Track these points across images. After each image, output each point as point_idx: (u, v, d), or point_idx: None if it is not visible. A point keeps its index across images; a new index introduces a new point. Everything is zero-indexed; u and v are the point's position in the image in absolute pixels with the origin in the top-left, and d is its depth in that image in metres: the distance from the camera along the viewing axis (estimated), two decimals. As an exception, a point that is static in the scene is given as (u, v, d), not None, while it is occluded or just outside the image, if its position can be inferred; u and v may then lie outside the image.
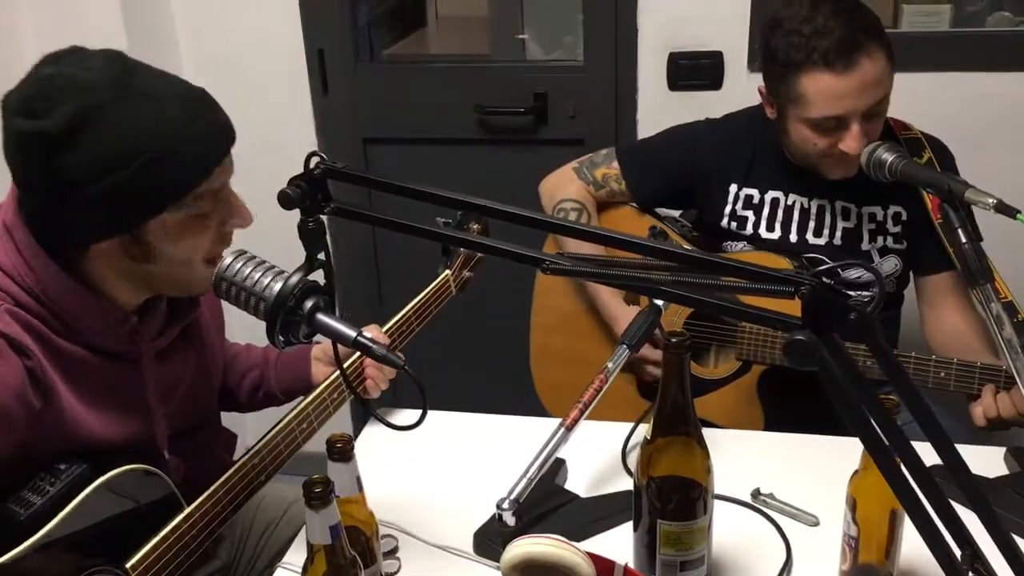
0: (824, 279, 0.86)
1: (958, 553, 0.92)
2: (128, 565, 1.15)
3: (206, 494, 1.26)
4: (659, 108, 2.43)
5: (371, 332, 1.32)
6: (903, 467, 0.89)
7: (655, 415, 1.16)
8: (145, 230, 1.18)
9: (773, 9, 1.69)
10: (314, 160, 1.08)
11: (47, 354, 1.19)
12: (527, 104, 2.51)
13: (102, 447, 1.26)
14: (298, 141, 2.63)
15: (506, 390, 2.04)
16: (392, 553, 1.32)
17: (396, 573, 1.30)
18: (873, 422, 0.89)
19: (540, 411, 2.02)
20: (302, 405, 1.43)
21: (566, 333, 2.01)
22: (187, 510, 1.24)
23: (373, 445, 1.59)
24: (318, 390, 1.46)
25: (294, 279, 1.06)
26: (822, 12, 1.56)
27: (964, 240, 1.33)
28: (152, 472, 1.25)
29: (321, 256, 1.09)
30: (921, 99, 2.13)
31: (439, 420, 1.67)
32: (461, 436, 1.63)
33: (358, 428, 2.67)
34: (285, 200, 1.04)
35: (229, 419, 1.59)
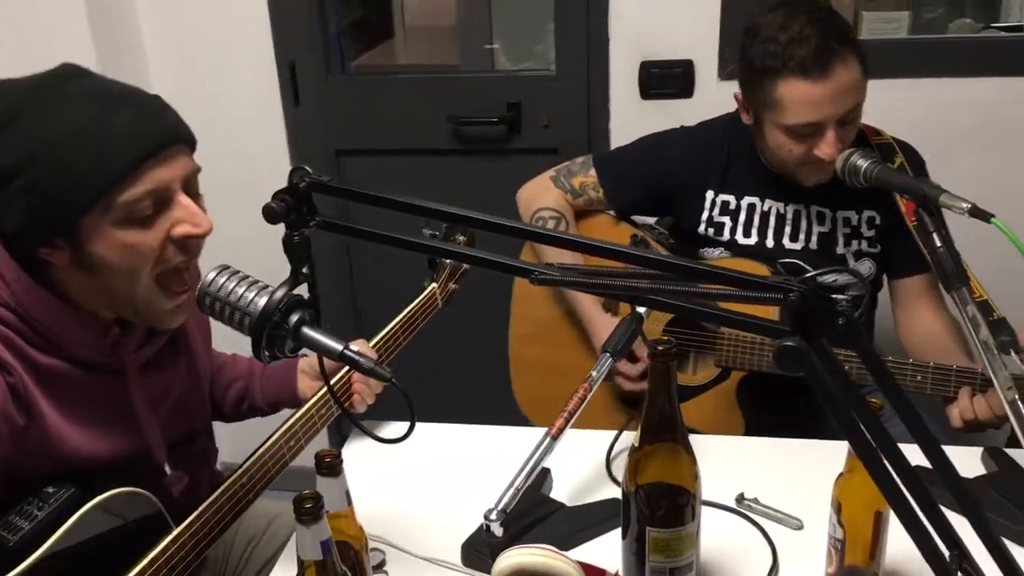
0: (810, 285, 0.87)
1: (946, 554, 0.93)
2: None
3: (194, 515, 1.24)
4: (632, 116, 2.45)
5: (358, 346, 1.32)
6: (891, 470, 0.90)
7: (642, 423, 1.17)
8: (81, 234, 1.15)
9: (748, 17, 1.72)
10: (299, 174, 1.06)
11: (28, 369, 1.17)
12: (501, 114, 2.52)
13: (91, 463, 1.24)
14: (270, 153, 2.63)
15: (487, 400, 2.03)
16: (380, 567, 1.32)
17: (384, 587, 1.29)
18: (862, 426, 0.90)
19: (522, 420, 2.02)
20: (290, 422, 1.41)
21: (544, 342, 2.01)
22: (175, 532, 1.22)
23: (357, 459, 1.58)
24: (305, 406, 1.44)
25: (279, 293, 1.05)
26: (798, 20, 1.58)
27: (939, 244, 1.35)
28: (141, 494, 1.23)
29: (305, 270, 1.09)
30: (883, 106, 2.17)
31: (423, 432, 1.66)
32: (445, 447, 1.63)
33: (335, 444, 2.67)
34: (270, 214, 1.04)
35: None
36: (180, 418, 1.40)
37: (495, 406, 1.93)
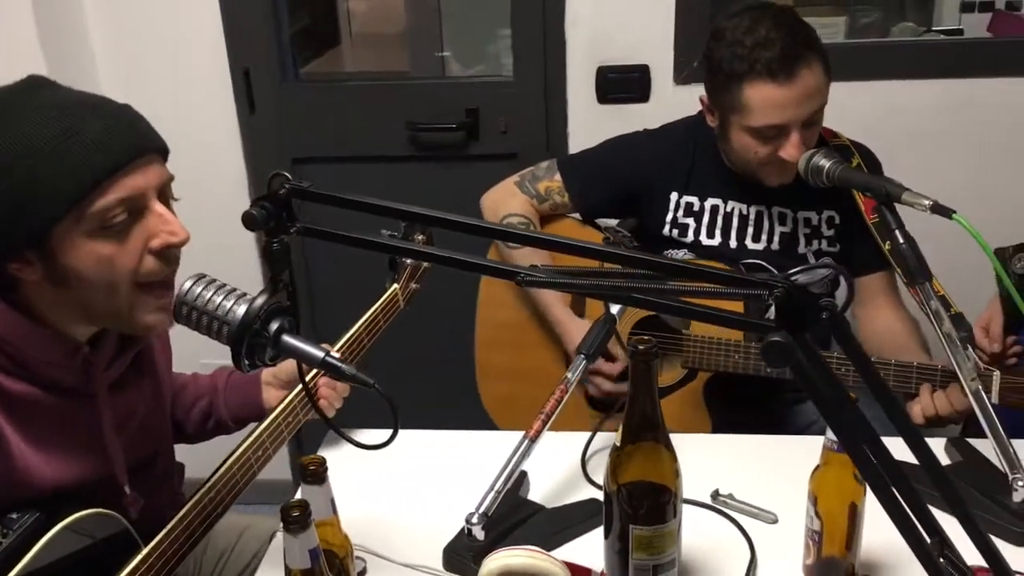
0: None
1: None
2: None
3: (163, 532, 1.21)
4: (589, 121, 2.47)
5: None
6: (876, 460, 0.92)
7: (624, 422, 1.18)
8: (54, 247, 1.12)
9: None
10: (279, 180, 1.06)
11: None
12: (458, 120, 2.52)
13: (56, 489, 1.21)
14: (226, 161, 2.59)
15: (454, 405, 2.03)
16: (362, 575, 1.31)
17: (367, 594, 1.29)
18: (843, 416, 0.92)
19: (489, 425, 2.02)
20: (256, 432, 1.39)
21: (511, 346, 2.02)
22: (144, 551, 1.18)
23: (333, 467, 1.57)
24: (272, 416, 1.43)
25: (259, 301, 1.04)
26: (763, 24, 1.61)
27: (902, 240, 1.39)
28: (107, 514, 1.20)
29: (284, 277, 1.08)
30: (828, 108, 2.23)
31: (398, 438, 1.66)
32: (421, 453, 1.62)
33: (293, 455, 2.64)
34: (250, 221, 1.02)
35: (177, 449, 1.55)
36: (143, 440, 1.37)
37: (461, 411, 1.93)
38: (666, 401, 1.86)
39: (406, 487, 1.53)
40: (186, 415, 1.59)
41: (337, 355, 1.06)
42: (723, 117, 1.71)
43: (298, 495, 1.18)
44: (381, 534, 1.38)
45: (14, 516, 1.14)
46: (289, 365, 1.58)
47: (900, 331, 1.82)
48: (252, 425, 1.43)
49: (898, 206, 1.41)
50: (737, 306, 0.94)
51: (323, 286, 2.73)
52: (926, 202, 1.36)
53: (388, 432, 1.07)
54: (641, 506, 1.19)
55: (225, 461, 1.33)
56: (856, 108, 2.30)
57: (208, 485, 1.29)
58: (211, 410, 1.59)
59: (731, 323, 0.92)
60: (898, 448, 0.92)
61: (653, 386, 1.16)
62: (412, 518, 1.44)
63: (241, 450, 1.35)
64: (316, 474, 1.09)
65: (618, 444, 1.19)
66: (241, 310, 1.04)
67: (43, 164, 1.09)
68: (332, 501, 1.12)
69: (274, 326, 1.04)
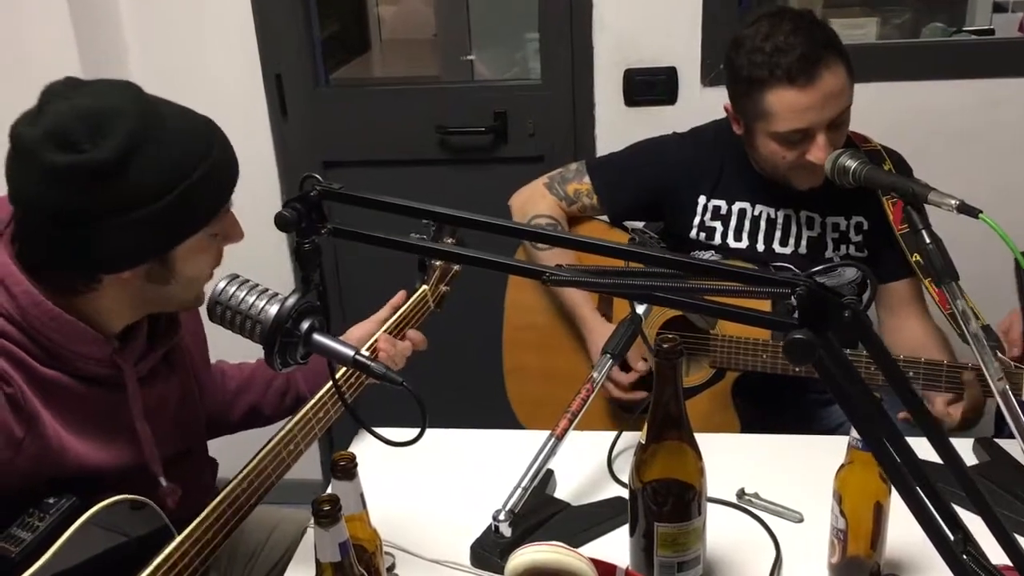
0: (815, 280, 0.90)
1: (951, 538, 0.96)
2: None
3: (196, 522, 1.25)
4: (617, 124, 2.49)
5: (383, 341, 1.52)
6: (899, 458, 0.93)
7: (648, 421, 1.19)
8: (174, 253, 1.22)
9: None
10: (310, 182, 1.08)
11: (29, 382, 1.18)
12: (487, 123, 2.54)
13: (93, 474, 1.25)
14: (259, 166, 2.63)
15: (482, 405, 2.05)
16: (390, 570, 1.33)
17: (397, 589, 1.31)
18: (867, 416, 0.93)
19: (516, 425, 2.04)
20: (288, 427, 1.42)
21: (538, 347, 2.03)
22: (178, 539, 1.23)
23: (362, 464, 1.59)
24: (303, 411, 1.45)
25: (291, 301, 1.07)
26: (782, 29, 1.62)
27: (928, 240, 1.39)
28: (142, 502, 1.24)
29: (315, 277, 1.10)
30: (856, 110, 2.22)
31: (427, 436, 1.69)
32: (449, 451, 1.64)
33: (324, 452, 2.67)
34: (282, 222, 1.05)
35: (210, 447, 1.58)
36: (176, 434, 1.41)
37: (489, 411, 1.95)
38: (694, 401, 1.88)
39: (435, 484, 1.55)
40: (229, 405, 1.63)
41: (367, 353, 1.09)
42: (748, 124, 1.72)
43: (329, 490, 1.21)
44: (410, 530, 1.40)
45: (51, 501, 1.18)
46: (359, 330, 1.64)
47: (927, 342, 1.81)
48: (284, 420, 1.46)
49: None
50: (764, 306, 0.95)
51: (355, 287, 2.77)
52: (952, 202, 1.35)
53: (417, 430, 1.09)
54: (666, 503, 1.20)
55: (257, 454, 1.36)
56: (886, 109, 2.30)
57: (241, 476, 1.32)
58: (288, 386, 1.64)
59: (754, 321, 0.93)
60: (923, 448, 0.92)
61: (678, 385, 1.17)
62: (440, 515, 1.46)
63: (273, 443, 1.38)
64: (346, 470, 1.12)
65: (643, 442, 1.20)
66: (273, 310, 1.06)
67: (199, 186, 1.19)
68: (362, 496, 1.14)
69: (305, 325, 1.07)
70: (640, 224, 2.09)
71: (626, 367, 1.87)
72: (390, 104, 2.61)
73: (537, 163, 2.50)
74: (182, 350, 1.45)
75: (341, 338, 1.63)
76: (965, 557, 0.95)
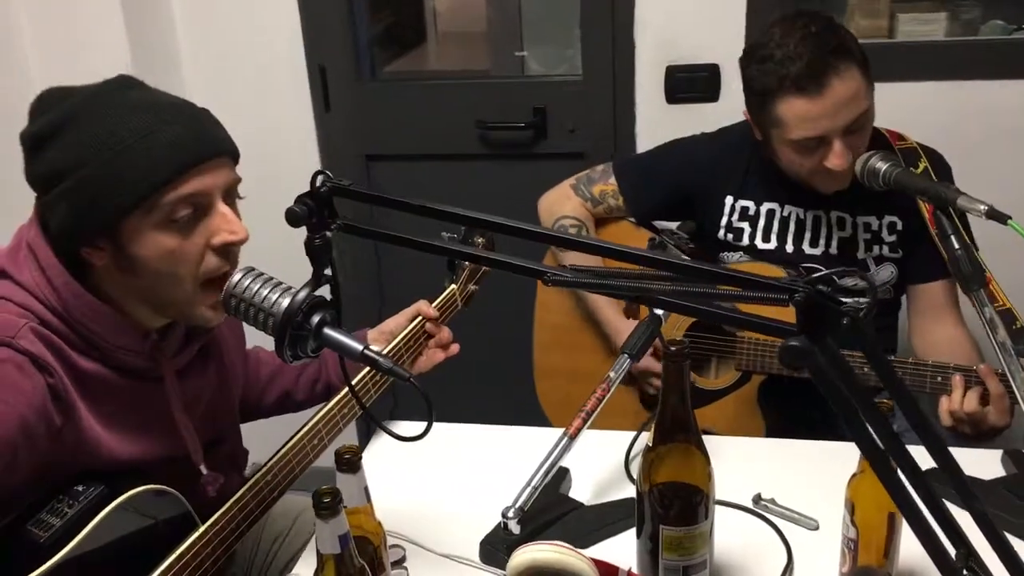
0: (819, 286, 0.88)
1: (953, 552, 0.94)
2: None
3: (220, 512, 1.27)
4: (657, 121, 2.47)
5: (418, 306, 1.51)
6: (898, 468, 0.91)
7: (656, 423, 1.19)
8: (123, 236, 1.20)
9: (761, 26, 1.73)
10: (320, 178, 1.09)
11: (68, 373, 1.21)
12: (527, 119, 2.54)
13: (125, 465, 1.28)
14: (301, 158, 2.67)
15: (512, 403, 2.06)
16: (400, 563, 1.35)
17: (405, 582, 1.32)
18: (868, 425, 0.91)
19: (546, 423, 2.04)
20: (313, 421, 1.45)
21: (568, 348, 2.03)
22: (201, 529, 1.25)
23: (381, 457, 1.62)
24: (328, 405, 1.48)
25: (301, 295, 1.08)
26: (792, 38, 1.59)
27: (957, 246, 1.36)
28: (167, 491, 1.26)
29: (328, 272, 1.11)
30: (917, 109, 2.16)
31: (444, 432, 1.70)
32: (466, 447, 1.66)
33: (363, 442, 2.70)
34: (292, 218, 1.07)
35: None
36: (209, 423, 1.44)
37: (516, 409, 1.95)
38: (720, 404, 1.86)
39: (450, 479, 1.57)
40: (262, 392, 1.67)
41: (376, 348, 1.10)
42: (764, 132, 1.71)
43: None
44: (422, 524, 1.42)
45: (80, 489, 1.21)
46: (393, 321, 1.66)
47: (954, 348, 1.76)
48: (310, 412, 1.49)
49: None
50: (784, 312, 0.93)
51: (395, 279, 2.80)
52: (981, 207, 1.32)
53: (437, 424, 1.10)
54: (672, 506, 1.19)
55: (282, 447, 1.39)
56: (943, 108, 2.25)
57: (265, 468, 1.35)
58: (319, 374, 1.67)
59: (753, 327, 0.92)
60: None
61: (685, 387, 1.16)
62: (453, 510, 1.47)
63: (299, 437, 1.41)
64: (351, 463, 1.13)
65: (650, 445, 1.20)
66: (285, 302, 1.08)
67: (120, 158, 1.17)
68: (366, 489, 1.15)
69: (316, 319, 1.08)
70: (674, 225, 2.07)
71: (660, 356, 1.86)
72: (431, 98, 2.63)
73: (576, 160, 2.49)
74: (217, 341, 1.48)
75: (359, 332, 1.68)
76: (966, 573, 0.93)
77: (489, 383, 2.70)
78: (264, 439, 1.83)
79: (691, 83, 2.43)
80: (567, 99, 2.53)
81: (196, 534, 1.24)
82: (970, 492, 0.92)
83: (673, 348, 1.15)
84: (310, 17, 2.56)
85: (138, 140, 1.17)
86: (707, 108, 2.43)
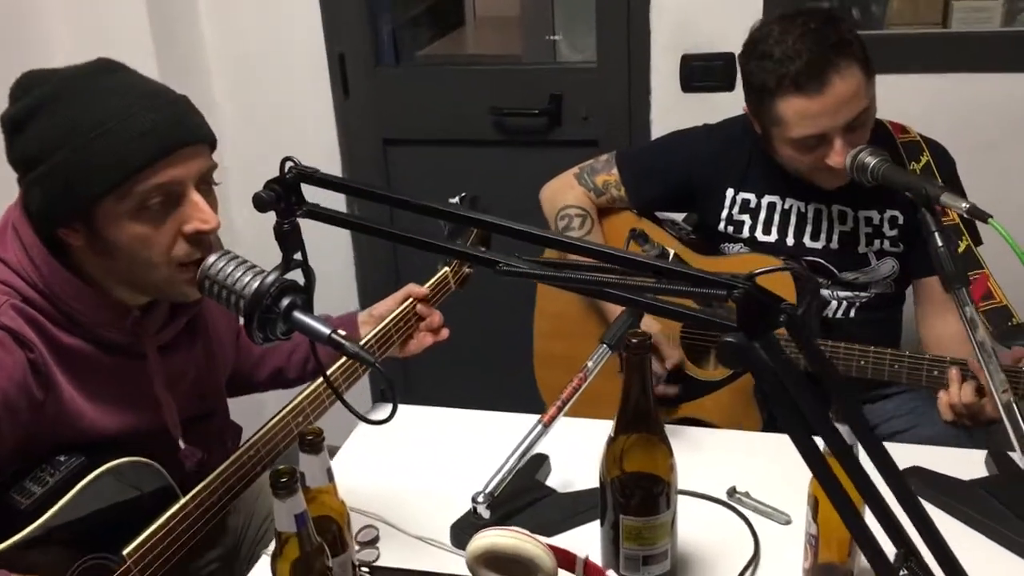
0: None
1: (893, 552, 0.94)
2: (125, 552, 1.21)
3: (202, 484, 1.31)
4: (672, 109, 2.45)
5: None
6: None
7: (618, 413, 1.19)
8: (96, 221, 1.22)
9: (791, 8, 1.71)
10: (288, 164, 1.11)
11: (50, 348, 1.25)
12: (541, 106, 2.55)
13: (105, 438, 1.32)
14: (321, 142, 2.71)
15: (511, 390, 2.07)
16: (373, 543, 1.37)
17: (375, 561, 1.35)
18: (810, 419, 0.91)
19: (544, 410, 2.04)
20: (298, 399, 1.48)
21: (568, 336, 2.04)
22: (182, 500, 1.29)
23: (363, 440, 1.65)
24: (312, 385, 1.51)
25: (270, 278, 1.10)
26: (791, 34, 1.58)
27: (940, 244, 1.34)
28: (148, 464, 1.30)
29: (298, 256, 1.14)
30: (971, 100, 2.12)
31: (424, 416, 1.73)
32: (445, 431, 1.68)
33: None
34: (259, 203, 1.08)
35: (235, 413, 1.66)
36: (193, 398, 1.47)
37: (518, 396, 1.97)
38: (716, 395, 1.86)
39: (428, 463, 1.59)
40: (254, 368, 1.70)
41: (343, 333, 1.12)
42: (764, 128, 1.70)
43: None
44: (397, 506, 1.44)
45: (62, 459, 1.26)
46: (383, 305, 1.69)
47: (962, 342, 1.73)
48: (295, 391, 1.52)
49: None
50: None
51: (411, 263, 2.82)
52: (963, 205, 1.31)
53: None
54: (633, 496, 1.20)
55: (266, 424, 1.42)
56: (997, 98, 2.23)
57: (248, 444, 1.39)
58: (309, 355, 1.69)
59: (694, 321, 0.92)
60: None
61: (647, 379, 1.17)
62: (428, 493, 1.49)
63: (282, 414, 1.44)
64: (313, 444, 1.15)
65: (612, 435, 1.20)
66: (255, 285, 1.10)
67: (93, 144, 1.20)
68: (329, 470, 1.18)
69: (285, 302, 1.10)
70: (679, 216, 2.07)
71: (659, 358, 1.86)
72: (448, 84, 2.65)
73: (590, 147, 2.48)
74: (205, 318, 1.51)
75: (348, 315, 1.71)
76: (904, 573, 0.93)
77: (488, 370, 2.71)
78: (260, 417, 1.87)
79: (707, 72, 2.41)
80: (581, 86, 2.53)
81: (177, 505, 1.27)
82: (905, 485, 0.92)
83: (635, 341, 1.15)
84: (329, 5, 2.59)
85: (112, 126, 1.19)
86: (723, 97, 2.40)
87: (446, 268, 1.78)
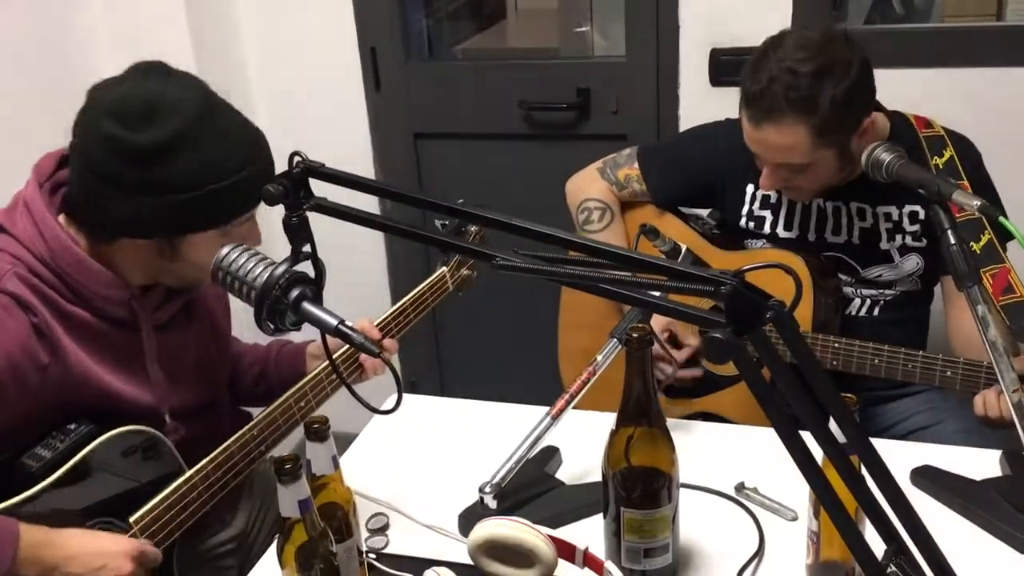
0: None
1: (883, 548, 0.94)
2: (132, 519, 1.28)
3: (207, 459, 1.38)
4: (701, 104, 2.44)
5: (361, 323, 1.49)
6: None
7: (620, 407, 1.21)
8: (183, 240, 1.36)
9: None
10: (296, 159, 1.14)
11: (54, 314, 1.33)
12: (570, 100, 2.55)
13: (111, 402, 1.39)
14: (353, 136, 2.74)
15: (535, 383, 2.08)
16: (383, 530, 1.40)
17: (384, 548, 1.37)
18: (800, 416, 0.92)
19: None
20: (300, 384, 1.53)
21: (591, 329, 2.04)
22: (187, 473, 1.36)
23: (376, 430, 1.68)
24: (316, 371, 1.56)
25: (280, 269, 1.14)
26: (782, 61, 1.57)
27: (952, 241, 1.33)
28: (153, 434, 1.38)
29: (307, 249, 1.17)
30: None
31: (436, 406, 1.76)
32: (457, 422, 1.70)
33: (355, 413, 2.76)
34: (267, 197, 1.12)
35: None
36: (198, 382, 1.54)
37: (542, 390, 1.98)
38: (732, 391, 1.86)
39: (440, 453, 1.61)
40: (241, 378, 1.76)
41: (350, 324, 1.15)
42: None
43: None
44: (407, 495, 1.47)
45: (71, 426, 1.35)
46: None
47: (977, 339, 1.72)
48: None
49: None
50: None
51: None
52: (975, 203, 1.30)
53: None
54: (634, 490, 1.21)
55: (269, 407, 1.48)
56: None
57: (252, 424, 1.45)
58: (261, 378, 1.75)
59: (683, 317, 0.93)
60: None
61: (648, 372, 1.18)
62: (439, 483, 1.52)
63: (283, 399, 1.50)
64: (318, 432, 1.18)
65: (614, 428, 1.22)
66: (265, 275, 1.14)
67: (225, 192, 1.33)
68: (334, 458, 1.21)
69: (294, 293, 1.14)
70: (704, 212, 2.06)
71: (677, 344, 1.86)
72: (477, 78, 2.66)
73: (619, 141, 2.47)
74: (203, 306, 1.59)
75: (283, 340, 1.75)
76: (892, 568, 0.93)
77: (513, 362, 2.72)
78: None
79: (736, 66, 2.37)
80: (610, 80, 2.53)
81: (182, 478, 1.35)
82: (897, 489, 0.92)
83: (636, 335, 1.16)
84: (362, 1, 2.61)
85: (231, 177, 1.33)
86: (752, 92, 2.39)
87: (444, 268, 1.82)
